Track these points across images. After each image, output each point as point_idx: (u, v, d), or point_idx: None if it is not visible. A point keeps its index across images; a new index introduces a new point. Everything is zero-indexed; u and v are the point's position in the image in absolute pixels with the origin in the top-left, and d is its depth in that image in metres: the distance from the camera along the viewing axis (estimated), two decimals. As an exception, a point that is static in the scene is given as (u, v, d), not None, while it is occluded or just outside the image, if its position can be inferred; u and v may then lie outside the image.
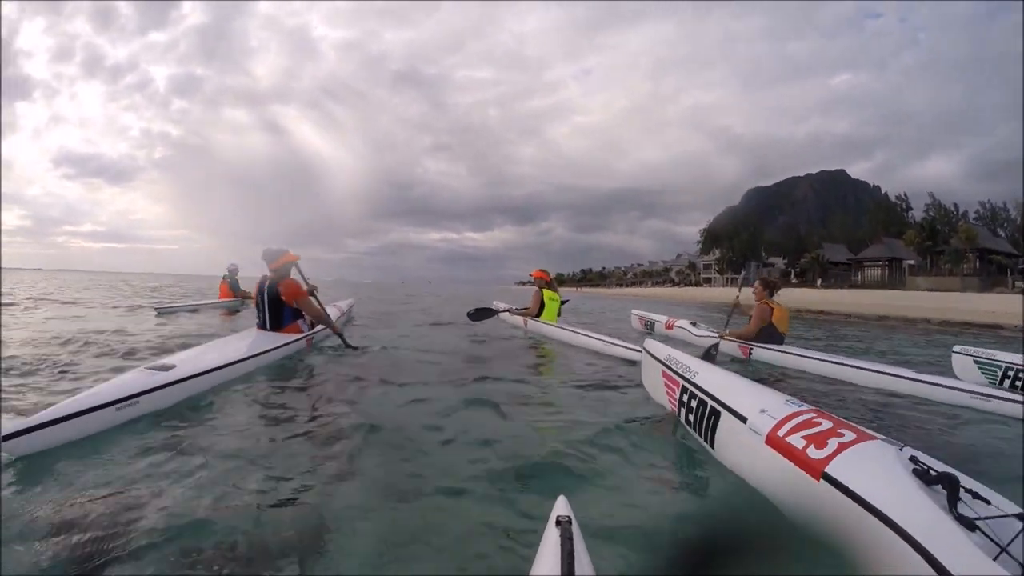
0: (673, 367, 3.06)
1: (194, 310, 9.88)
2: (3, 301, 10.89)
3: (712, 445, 2.46)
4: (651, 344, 3.55)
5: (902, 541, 1.35)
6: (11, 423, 2.25)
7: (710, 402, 2.52)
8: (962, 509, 1.40)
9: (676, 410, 2.97)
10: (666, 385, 3.15)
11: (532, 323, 7.74)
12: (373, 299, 19.25)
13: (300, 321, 5.19)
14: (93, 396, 2.58)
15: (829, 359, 5.05)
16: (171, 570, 1.47)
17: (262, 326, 5.03)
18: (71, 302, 11.77)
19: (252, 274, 12.44)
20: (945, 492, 1.45)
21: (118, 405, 2.62)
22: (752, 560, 1.70)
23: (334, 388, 3.80)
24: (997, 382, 4.64)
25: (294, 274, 5.23)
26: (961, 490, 1.46)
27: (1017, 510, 1.44)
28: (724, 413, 2.38)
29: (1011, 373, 4.57)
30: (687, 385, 2.82)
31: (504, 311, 8.84)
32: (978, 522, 1.34)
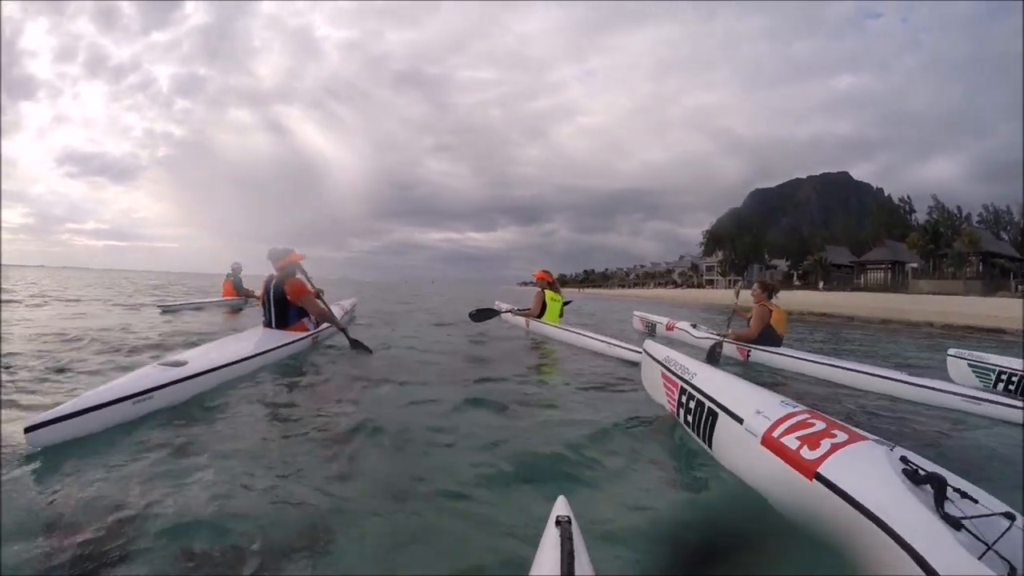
0: (672, 368, 3.10)
1: (198, 308, 9.95)
2: (8, 299, 10.96)
3: (711, 446, 2.50)
4: (650, 345, 3.59)
5: (890, 540, 1.39)
6: (35, 415, 2.33)
7: (708, 403, 2.56)
8: (949, 508, 1.44)
9: (675, 411, 3.00)
10: (665, 386, 3.19)
11: (534, 324, 7.78)
12: (376, 298, 19.29)
13: (306, 320, 5.25)
14: (111, 390, 2.65)
15: (825, 361, 5.10)
16: (175, 569, 1.49)
17: (268, 324, 5.10)
18: (75, 300, 11.83)
19: (255, 272, 12.54)
20: (933, 492, 1.48)
21: (134, 399, 2.71)
22: (751, 560, 1.71)
23: (338, 387, 3.85)
24: (991, 385, 4.71)
25: (299, 275, 5.27)
26: (949, 489, 1.50)
27: (1004, 509, 1.47)
28: (721, 414, 2.42)
29: (1005, 376, 4.65)
30: (685, 386, 2.86)
31: (506, 312, 8.86)
32: (964, 521, 1.38)
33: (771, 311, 5.70)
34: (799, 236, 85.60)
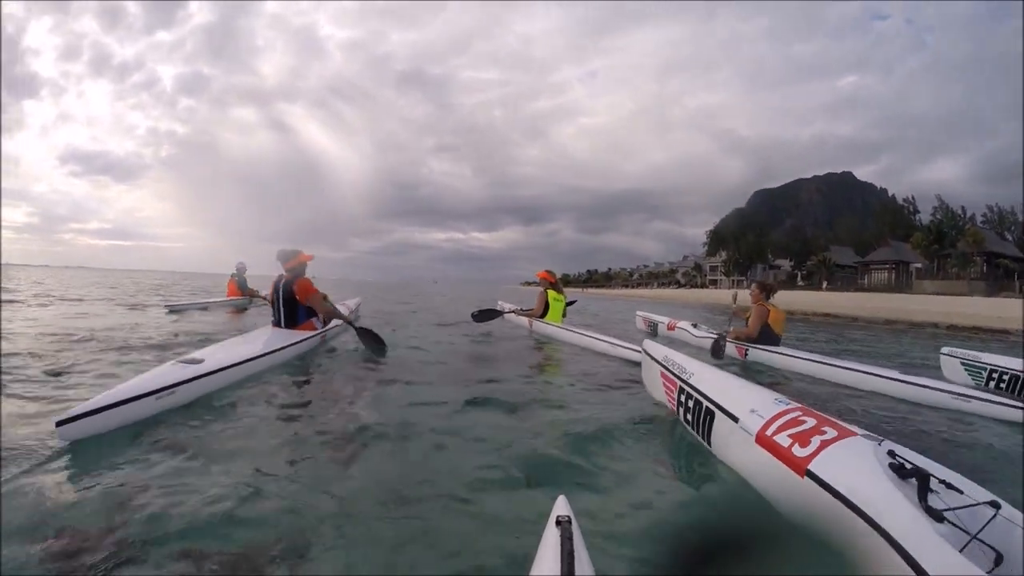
0: (670, 368, 3.15)
1: (204, 308, 10.02)
2: (16, 299, 11.03)
3: (709, 444, 2.55)
4: (649, 345, 3.63)
5: (876, 535, 1.45)
6: (66, 410, 2.41)
7: (705, 402, 2.62)
8: (933, 501, 1.49)
9: (675, 409, 3.06)
10: (665, 385, 3.24)
11: (537, 324, 7.81)
12: (377, 298, 19.30)
13: (314, 319, 5.33)
14: (135, 386, 2.75)
15: (821, 360, 5.18)
16: (183, 568, 1.51)
17: (277, 323, 5.18)
18: (80, 299, 11.90)
19: (257, 273, 12.58)
20: (917, 485, 1.54)
21: (157, 395, 2.81)
22: (751, 561, 1.73)
23: (344, 387, 3.90)
24: (984, 384, 4.80)
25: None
26: (935, 482, 1.56)
27: (989, 498, 1.52)
28: (718, 413, 2.48)
29: (996, 375, 4.75)
30: (684, 386, 2.91)
31: (509, 312, 8.88)
32: (947, 513, 1.43)
33: (769, 311, 5.78)
34: (802, 236, 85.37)
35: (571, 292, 15.65)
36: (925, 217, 65.19)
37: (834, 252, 65.86)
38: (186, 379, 3.06)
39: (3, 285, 16.19)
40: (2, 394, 3.08)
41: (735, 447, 2.32)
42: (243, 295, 11.43)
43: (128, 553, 1.53)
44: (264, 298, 10.86)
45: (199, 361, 3.34)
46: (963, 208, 61.71)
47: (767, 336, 5.76)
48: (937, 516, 1.42)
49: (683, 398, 2.90)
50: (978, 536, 1.40)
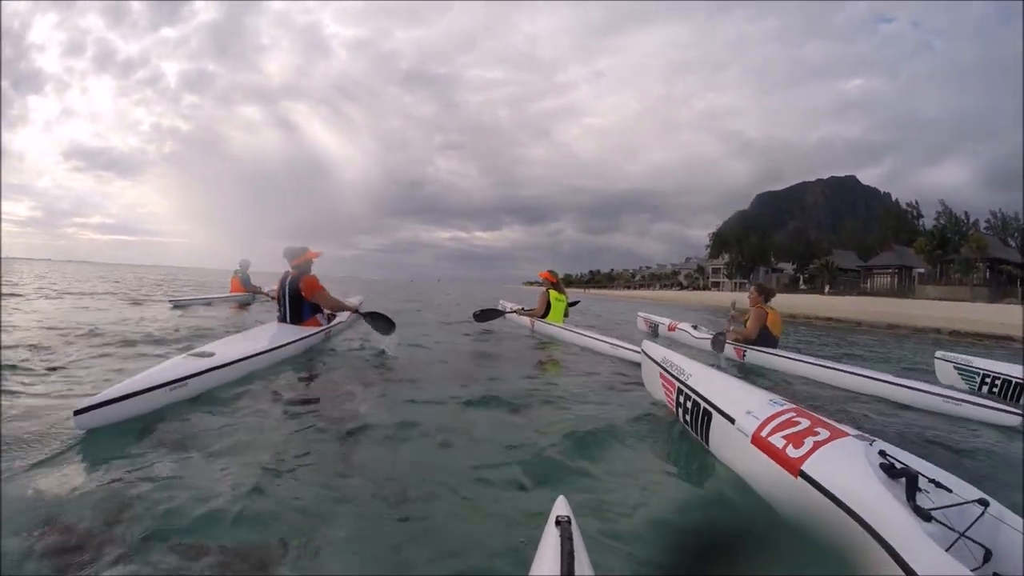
0: (669, 369, 3.19)
1: (208, 303, 10.07)
2: (17, 292, 11.10)
3: (708, 444, 2.59)
4: (648, 346, 3.67)
5: (866, 534, 1.48)
6: (83, 399, 2.48)
7: (703, 403, 2.66)
8: (921, 500, 1.54)
9: (674, 410, 3.09)
10: (664, 386, 3.28)
11: (538, 324, 7.84)
12: (382, 296, 19.32)
13: (319, 315, 5.42)
14: (148, 377, 2.83)
15: (817, 362, 5.25)
16: (183, 564, 1.52)
17: (283, 319, 5.25)
18: (82, 294, 11.95)
19: (261, 269, 12.65)
20: (905, 485, 1.57)
21: (170, 387, 2.88)
22: (749, 561, 1.76)
23: (348, 383, 3.94)
24: (976, 388, 4.86)
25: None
26: (924, 481, 1.60)
27: (978, 496, 1.57)
28: (715, 414, 2.52)
29: (989, 380, 4.81)
30: (682, 387, 2.95)
31: (511, 312, 8.91)
32: (935, 512, 1.47)
33: (767, 313, 5.88)
34: (806, 239, 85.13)
35: (574, 292, 15.67)
36: (928, 222, 65.13)
37: (837, 256, 65.88)
38: (197, 372, 3.13)
39: (8, 279, 16.27)
40: (1, 389, 3.10)
41: (732, 448, 2.36)
42: (246, 291, 11.48)
43: (132, 547, 1.55)
44: (267, 295, 10.93)
45: (210, 355, 3.42)
46: (966, 213, 61.59)
47: (765, 338, 5.85)
48: (925, 515, 1.45)
49: (682, 399, 2.94)
50: (967, 534, 1.43)
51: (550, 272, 8.08)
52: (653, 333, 8.95)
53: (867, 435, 1.96)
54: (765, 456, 2.05)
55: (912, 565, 1.30)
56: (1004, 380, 4.69)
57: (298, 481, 2.09)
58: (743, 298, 6.52)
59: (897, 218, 73.31)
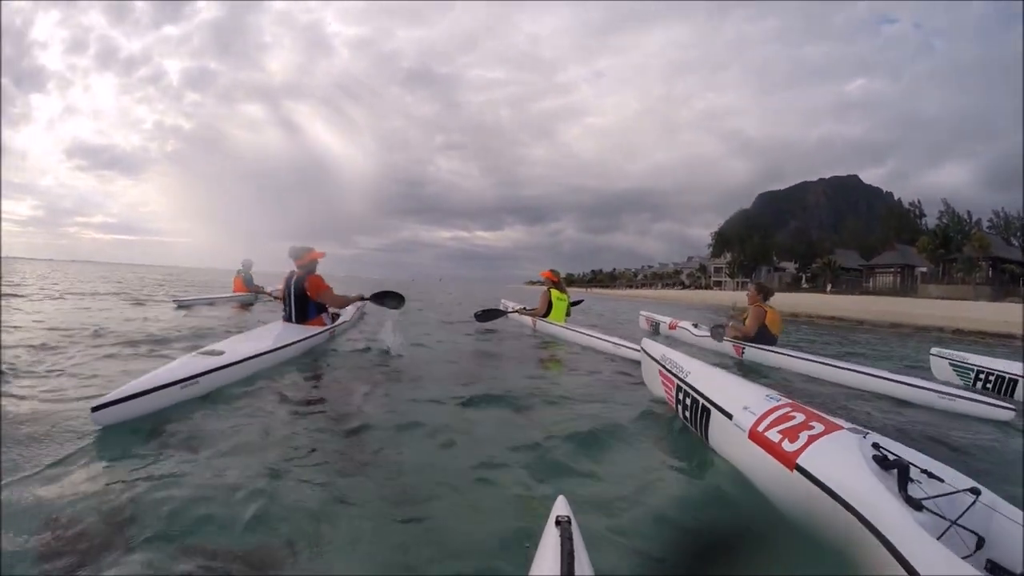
0: (668, 367, 3.23)
1: (211, 303, 10.11)
2: (21, 293, 11.16)
3: (707, 440, 2.63)
4: (648, 344, 3.72)
5: (859, 524, 1.52)
6: (100, 396, 2.56)
7: (701, 400, 2.70)
8: (913, 490, 1.58)
9: (674, 407, 3.13)
10: (664, 384, 3.32)
11: (540, 323, 7.86)
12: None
13: (323, 315, 5.49)
14: (162, 375, 2.90)
15: (815, 359, 5.35)
16: (188, 564, 1.53)
17: (288, 319, 5.32)
18: (84, 294, 11.99)
19: (263, 269, 12.67)
20: (897, 476, 1.61)
21: (182, 384, 2.95)
22: (750, 560, 1.77)
23: (352, 382, 3.98)
24: (971, 383, 4.97)
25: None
26: (916, 471, 1.65)
27: (970, 485, 1.60)
28: (714, 410, 2.56)
29: (983, 375, 4.91)
30: (681, 384, 2.99)
31: (513, 311, 8.93)
32: (926, 501, 1.51)
33: (766, 311, 5.97)
34: (807, 239, 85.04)
35: (576, 292, 15.67)
36: (931, 221, 64.91)
37: (839, 255, 65.78)
38: (208, 370, 3.20)
39: (11, 279, 16.34)
40: (1, 390, 3.14)
41: (730, 443, 2.40)
42: (249, 291, 11.51)
43: (139, 547, 1.57)
44: (270, 294, 10.98)
45: (219, 353, 3.49)
46: (969, 213, 61.35)
47: (764, 336, 5.94)
48: (916, 504, 1.49)
49: (681, 396, 2.98)
50: (959, 522, 1.47)
51: (551, 271, 8.08)
52: (654, 331, 9.01)
53: (861, 428, 2.00)
54: (762, 450, 2.09)
55: (903, 553, 1.33)
56: (998, 376, 4.79)
57: (304, 481, 2.10)
58: (744, 298, 6.59)
59: (899, 217, 73.17)
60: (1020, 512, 1.54)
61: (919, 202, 74.77)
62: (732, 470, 2.33)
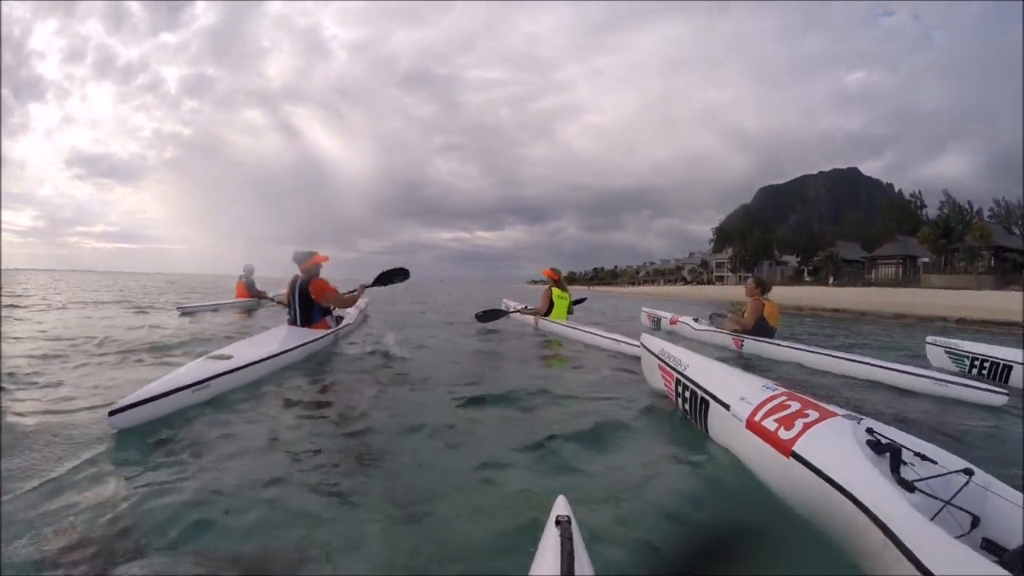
0: (667, 360, 3.28)
1: (215, 310, 10.18)
2: (28, 303, 11.23)
3: (707, 431, 2.68)
4: (647, 339, 3.77)
5: (853, 507, 1.55)
6: (118, 400, 2.64)
7: (700, 392, 2.75)
8: (906, 473, 1.61)
9: (674, 400, 3.18)
10: (663, 377, 3.37)
11: (542, 322, 7.89)
12: (385, 299, 19.33)
13: (328, 318, 5.58)
14: (174, 379, 2.98)
15: (812, 349, 5.45)
16: (195, 569, 1.55)
17: (293, 322, 5.40)
18: (85, 303, 12.08)
19: (264, 274, 12.73)
20: (890, 459, 1.65)
21: (194, 388, 3.03)
22: (751, 555, 1.76)
23: (356, 385, 4.02)
24: (966, 370, 5.05)
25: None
26: (910, 454, 1.69)
27: (963, 466, 1.64)
28: (712, 402, 2.61)
29: (978, 362, 5.00)
30: (680, 377, 3.04)
31: (514, 311, 8.96)
32: (919, 483, 1.55)
33: (764, 304, 6.12)
34: (808, 232, 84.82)
35: (579, 290, 15.63)
36: (932, 212, 64.57)
37: (841, 247, 65.60)
38: (218, 374, 3.28)
39: (13, 291, 16.43)
40: (2, 397, 3.20)
41: (728, 433, 2.44)
42: (251, 296, 11.56)
43: (147, 552, 1.60)
44: (272, 299, 11.06)
45: (228, 357, 3.57)
46: (970, 203, 61.02)
47: (762, 328, 6.09)
48: (908, 486, 1.53)
49: (680, 388, 3.03)
50: (953, 502, 1.51)
51: (552, 270, 8.10)
52: (656, 327, 9.06)
53: (855, 414, 2.03)
54: (759, 439, 2.13)
55: (896, 533, 1.36)
56: (992, 362, 4.88)
57: (310, 484, 2.12)
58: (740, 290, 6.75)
59: (900, 208, 72.86)
60: (1015, 492, 1.57)
61: (920, 193, 74.48)
62: (732, 460, 2.36)
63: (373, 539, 1.73)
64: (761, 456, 2.11)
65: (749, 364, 5.40)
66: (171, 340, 5.80)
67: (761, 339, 5.97)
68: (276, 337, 4.75)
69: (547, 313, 7.90)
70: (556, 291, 7.92)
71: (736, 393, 2.47)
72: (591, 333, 6.59)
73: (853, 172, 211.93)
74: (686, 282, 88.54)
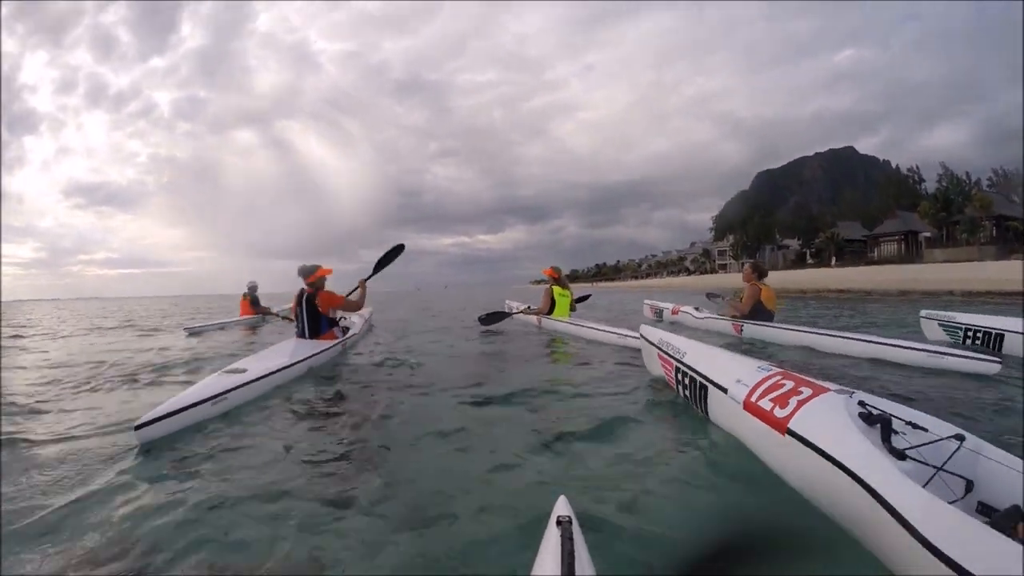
0: (666, 350, 3.35)
1: (221, 328, 10.25)
2: (35, 332, 11.34)
3: (707, 415, 2.75)
4: (646, 330, 3.84)
5: (848, 478, 1.60)
6: (144, 415, 2.77)
7: (698, 378, 2.82)
8: (897, 442, 1.67)
9: (675, 387, 3.25)
10: (663, 366, 3.44)
11: (545, 321, 7.95)
12: (390, 308, 19.40)
13: (335, 329, 5.75)
14: (194, 393, 3.12)
15: (808, 330, 5.58)
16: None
17: (301, 334, 5.53)
18: (90, 329, 12.23)
19: (266, 291, 12.79)
20: (880, 429, 1.71)
21: (213, 401, 3.16)
22: (754, 560, 1.70)
23: (364, 393, 4.07)
24: (960, 341, 5.16)
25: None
26: (902, 424, 1.75)
27: (954, 432, 1.68)
28: (710, 387, 2.68)
29: (971, 333, 5.11)
30: (679, 365, 3.11)
31: (517, 312, 9.00)
32: (909, 451, 1.60)
33: (761, 289, 6.23)
34: (808, 214, 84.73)
35: (582, 287, 15.67)
36: (931, 186, 64.56)
37: (841, 227, 65.47)
38: (234, 386, 3.41)
39: (17, 320, 16.61)
40: (2, 414, 3.35)
41: (727, 415, 2.51)
42: (256, 313, 11.62)
43: (165, 560, 1.64)
44: (277, 315, 11.13)
45: (243, 371, 3.70)
46: (968, 174, 61.10)
47: (760, 313, 6.21)
48: (899, 454, 1.58)
49: (680, 376, 3.10)
50: (945, 468, 1.55)
51: (553, 268, 8.14)
52: (659, 318, 9.18)
53: (847, 389, 2.09)
54: (756, 419, 2.19)
55: (888, 500, 1.41)
56: (984, 332, 4.98)
57: (326, 495, 2.13)
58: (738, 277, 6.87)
59: (898, 184, 72.84)
60: (1007, 454, 1.61)
61: (917, 167, 74.52)
62: (733, 443, 2.41)
63: (389, 547, 1.73)
64: (759, 435, 2.17)
65: (749, 348, 5.49)
66: (180, 359, 5.91)
67: (760, 323, 6.08)
68: (286, 350, 4.86)
69: (549, 312, 7.95)
70: (557, 289, 7.97)
71: (733, 376, 2.53)
72: (594, 329, 6.65)
73: (849, 151, 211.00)
74: (689, 273, 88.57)
